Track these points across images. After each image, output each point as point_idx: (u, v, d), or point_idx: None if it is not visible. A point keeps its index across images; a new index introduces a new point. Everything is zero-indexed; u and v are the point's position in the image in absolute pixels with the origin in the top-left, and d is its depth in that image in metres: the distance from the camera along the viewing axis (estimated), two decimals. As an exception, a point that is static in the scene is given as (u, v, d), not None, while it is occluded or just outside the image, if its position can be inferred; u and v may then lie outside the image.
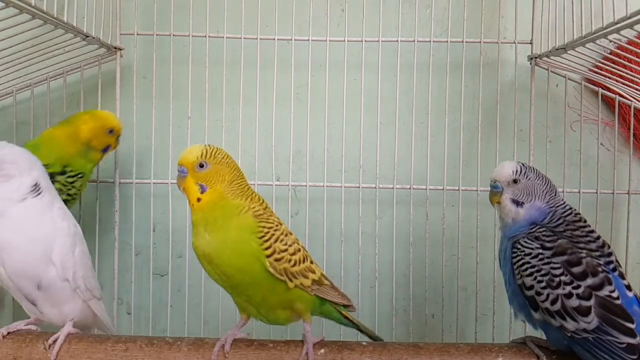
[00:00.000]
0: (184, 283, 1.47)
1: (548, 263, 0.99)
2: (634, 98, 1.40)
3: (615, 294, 0.96)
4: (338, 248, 1.45)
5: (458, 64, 1.45)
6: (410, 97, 1.46)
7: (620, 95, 1.43)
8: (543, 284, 0.99)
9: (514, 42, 1.45)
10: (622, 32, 1.03)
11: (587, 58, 1.33)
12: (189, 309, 1.47)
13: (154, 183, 1.46)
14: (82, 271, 1.10)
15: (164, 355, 1.06)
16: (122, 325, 1.48)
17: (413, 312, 1.47)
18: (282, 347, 1.07)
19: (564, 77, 1.45)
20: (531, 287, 1.00)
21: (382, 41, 1.45)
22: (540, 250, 1.01)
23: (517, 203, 1.08)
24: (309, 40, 1.45)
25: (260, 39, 1.44)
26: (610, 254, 1.02)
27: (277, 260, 1.01)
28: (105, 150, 1.35)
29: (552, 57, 1.36)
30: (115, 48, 1.43)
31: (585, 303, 0.96)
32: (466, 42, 1.45)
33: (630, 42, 1.11)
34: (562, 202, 1.08)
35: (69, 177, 1.30)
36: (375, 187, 1.46)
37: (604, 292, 0.96)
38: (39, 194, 1.06)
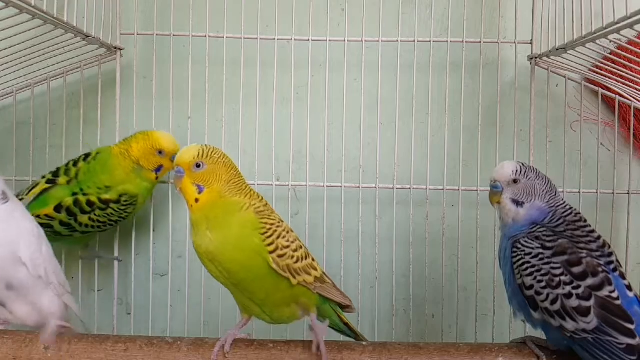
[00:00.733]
0: (184, 283, 1.47)
1: (548, 263, 0.99)
2: (634, 98, 1.40)
3: (615, 295, 0.96)
4: (338, 248, 1.45)
5: (458, 64, 1.45)
6: (410, 97, 1.46)
7: (620, 95, 1.42)
8: (543, 284, 0.99)
9: (514, 42, 1.45)
10: (622, 32, 1.03)
11: (587, 58, 1.33)
12: (189, 309, 1.47)
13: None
14: (52, 267, 1.12)
15: (163, 355, 1.06)
16: (122, 325, 1.48)
17: (413, 312, 1.47)
18: (282, 347, 1.07)
19: (564, 77, 1.44)
20: (531, 287, 1.00)
21: (382, 41, 1.45)
22: (541, 250, 1.01)
23: (517, 203, 1.08)
24: (309, 40, 1.45)
25: (260, 39, 1.44)
26: (610, 254, 1.02)
27: (280, 256, 1.01)
28: (157, 170, 1.35)
29: (552, 57, 1.36)
30: (116, 48, 1.43)
31: (584, 303, 0.96)
32: (466, 42, 1.45)
33: (630, 42, 1.11)
34: (562, 202, 1.08)
35: (123, 205, 1.34)
36: (375, 187, 1.46)
37: (604, 292, 0.96)
38: (7, 201, 1.09)
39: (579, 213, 1.08)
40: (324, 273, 1.11)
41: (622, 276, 1.01)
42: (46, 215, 1.31)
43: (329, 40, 1.46)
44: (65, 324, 1.11)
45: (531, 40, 1.43)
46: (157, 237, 1.50)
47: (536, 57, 1.41)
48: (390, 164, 1.46)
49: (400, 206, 1.45)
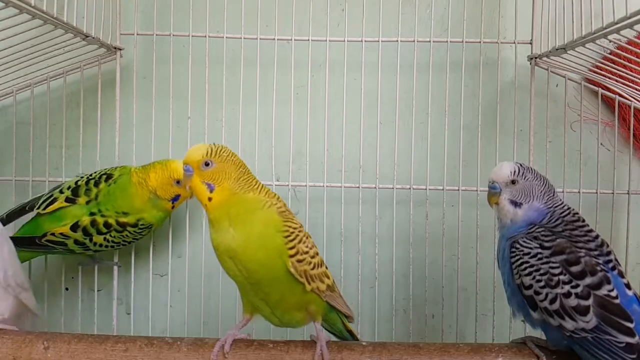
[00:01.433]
0: (184, 283, 1.47)
1: (547, 262, 0.99)
2: (634, 98, 1.40)
3: (614, 293, 0.96)
4: (338, 248, 1.45)
5: (458, 63, 1.45)
6: (410, 97, 1.46)
7: (620, 95, 1.42)
8: (542, 284, 0.99)
9: (514, 42, 1.45)
10: (622, 32, 1.03)
11: (587, 58, 1.33)
12: (188, 309, 1.47)
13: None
14: (12, 269, 1.12)
15: (163, 356, 1.06)
16: (122, 325, 1.48)
17: (413, 312, 1.47)
18: (282, 347, 1.07)
19: (564, 77, 1.44)
20: (530, 287, 1.00)
21: (382, 41, 1.45)
22: (539, 250, 1.01)
23: (516, 204, 1.08)
24: (309, 40, 1.45)
25: (260, 39, 1.44)
26: (609, 253, 1.02)
27: (299, 261, 1.02)
28: (175, 200, 1.34)
29: (552, 57, 1.36)
30: (115, 48, 1.43)
31: (583, 302, 0.96)
32: (466, 42, 1.45)
33: (630, 42, 1.11)
34: (560, 203, 1.08)
35: (139, 228, 1.34)
36: (375, 187, 1.46)
37: (603, 291, 0.96)
38: None
39: (577, 213, 1.08)
40: (334, 282, 1.11)
41: (621, 275, 1.01)
42: (61, 234, 1.31)
43: (329, 40, 1.46)
44: (6, 327, 1.11)
45: (531, 40, 1.43)
46: (157, 237, 1.50)
47: (536, 57, 1.41)
48: (390, 164, 1.46)
49: (400, 206, 1.45)
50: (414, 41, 1.45)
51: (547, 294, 0.98)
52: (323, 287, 1.06)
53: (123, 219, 1.31)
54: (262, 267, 1.00)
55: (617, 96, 1.43)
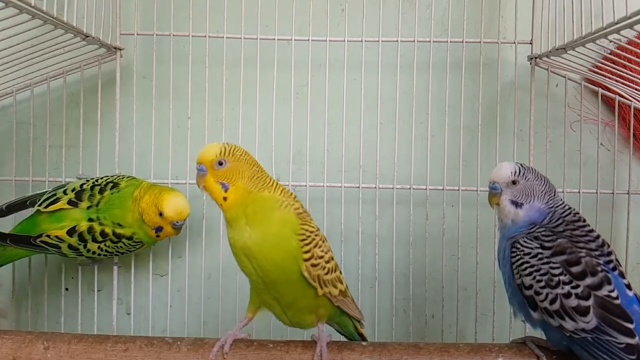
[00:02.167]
0: (184, 283, 1.47)
1: (547, 262, 0.99)
2: (634, 98, 1.40)
3: (614, 294, 0.96)
4: (338, 248, 1.45)
5: (458, 64, 1.45)
6: (410, 97, 1.46)
7: (620, 95, 1.42)
8: (542, 284, 0.99)
9: (514, 42, 1.45)
10: (622, 32, 1.02)
11: (587, 58, 1.33)
12: (188, 309, 1.47)
13: (153, 183, 1.45)
14: None
15: (163, 356, 1.06)
16: (122, 325, 1.48)
17: (413, 312, 1.47)
18: (282, 347, 1.08)
19: (564, 77, 1.44)
20: (530, 287, 1.00)
21: (382, 41, 1.45)
22: (540, 250, 1.01)
23: (516, 204, 1.07)
24: (309, 40, 1.45)
25: (260, 39, 1.44)
26: (610, 253, 1.02)
27: (313, 265, 1.02)
28: (158, 230, 1.31)
29: (552, 57, 1.36)
30: (115, 48, 1.43)
31: (584, 303, 0.96)
32: (466, 42, 1.45)
33: (630, 42, 1.11)
34: (561, 203, 1.08)
35: (134, 241, 1.33)
36: (375, 187, 1.46)
37: (603, 291, 0.96)
38: None
39: (578, 213, 1.08)
40: (347, 287, 1.11)
41: (622, 275, 1.00)
42: (57, 237, 1.29)
43: (329, 41, 1.46)
44: None
45: (531, 40, 1.43)
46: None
47: (536, 57, 1.41)
48: (390, 164, 1.46)
49: (400, 206, 1.45)
50: (414, 41, 1.45)
51: (547, 294, 0.98)
52: (335, 292, 1.06)
53: (119, 230, 1.30)
54: (276, 268, 1.00)
55: (617, 96, 1.43)
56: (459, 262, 1.46)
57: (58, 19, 1.12)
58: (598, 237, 1.04)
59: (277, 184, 1.06)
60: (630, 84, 1.30)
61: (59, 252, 1.32)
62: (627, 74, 1.25)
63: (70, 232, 1.29)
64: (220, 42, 1.44)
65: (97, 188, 1.32)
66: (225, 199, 1.02)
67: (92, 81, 1.46)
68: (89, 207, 1.30)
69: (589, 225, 1.06)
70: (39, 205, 1.32)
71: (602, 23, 1.05)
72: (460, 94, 1.45)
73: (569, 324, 0.96)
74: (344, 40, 1.45)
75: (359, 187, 1.46)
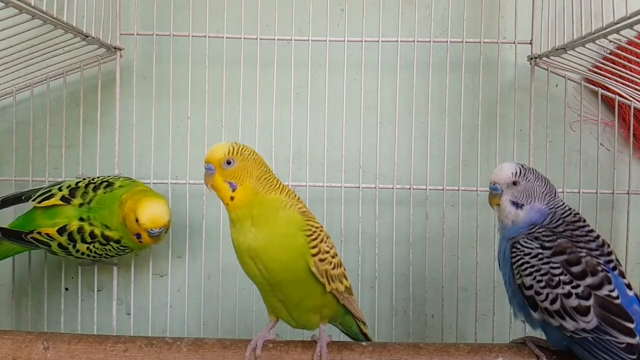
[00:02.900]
0: (184, 283, 1.47)
1: (547, 262, 0.99)
2: (633, 98, 1.40)
3: (614, 294, 0.96)
4: (338, 248, 1.44)
5: (458, 64, 1.45)
6: (410, 97, 1.46)
7: (620, 95, 1.42)
8: (542, 284, 0.99)
9: (514, 42, 1.45)
10: (622, 32, 1.02)
11: (587, 58, 1.33)
12: (188, 309, 1.47)
13: (153, 183, 1.45)
14: None
15: (163, 356, 1.06)
16: (122, 325, 1.48)
17: (413, 312, 1.47)
18: (282, 347, 1.08)
19: (564, 77, 1.44)
20: (530, 287, 1.00)
21: (382, 41, 1.45)
22: (540, 250, 1.01)
23: (517, 205, 1.07)
24: (308, 40, 1.45)
25: (260, 39, 1.44)
26: (610, 253, 1.02)
27: (321, 260, 1.02)
28: (137, 237, 1.28)
29: (551, 57, 1.36)
30: (115, 48, 1.43)
31: (584, 302, 0.96)
32: (466, 42, 1.45)
33: (630, 42, 1.11)
34: (561, 203, 1.08)
35: (122, 245, 1.31)
36: (375, 187, 1.46)
37: (604, 291, 0.96)
38: None
39: (578, 213, 1.07)
40: (351, 285, 1.11)
41: (622, 275, 1.01)
42: (47, 234, 1.28)
43: (329, 41, 1.46)
44: None
45: (531, 40, 1.43)
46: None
47: (536, 57, 1.41)
48: (390, 164, 1.46)
49: (400, 206, 1.45)
50: (414, 41, 1.45)
51: (547, 294, 0.98)
52: (342, 288, 1.07)
53: (107, 233, 1.29)
54: (283, 268, 1.00)
55: (617, 96, 1.43)
56: (459, 262, 1.46)
57: (58, 19, 1.12)
58: (598, 237, 1.04)
59: (282, 185, 1.06)
60: (630, 84, 1.30)
61: (49, 250, 1.32)
62: (627, 74, 1.25)
63: (61, 230, 1.28)
64: (220, 42, 1.44)
65: (92, 186, 1.32)
66: (232, 198, 1.01)
67: (92, 81, 1.46)
68: (81, 205, 1.29)
69: (589, 226, 1.06)
70: (33, 200, 1.31)
71: (602, 23, 1.05)
72: (460, 94, 1.45)
73: (569, 324, 0.96)
74: (344, 40, 1.45)
75: (359, 187, 1.46)
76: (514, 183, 1.08)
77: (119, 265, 1.47)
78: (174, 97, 1.47)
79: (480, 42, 1.45)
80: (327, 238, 1.05)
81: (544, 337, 1.07)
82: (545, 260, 1.00)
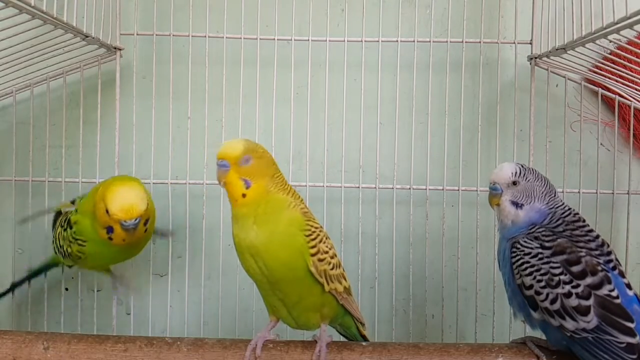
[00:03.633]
0: (184, 283, 1.47)
1: (547, 262, 0.99)
2: (633, 98, 1.40)
3: (614, 293, 0.96)
4: (338, 248, 1.44)
5: (458, 64, 1.45)
6: (410, 97, 1.46)
7: (620, 96, 1.42)
8: (542, 284, 0.99)
9: (514, 42, 1.45)
10: (622, 32, 1.02)
11: (587, 58, 1.33)
12: (188, 309, 1.47)
13: (153, 183, 1.45)
14: None
15: (163, 356, 1.06)
16: (122, 325, 1.48)
17: (413, 312, 1.47)
18: (282, 347, 1.08)
19: (564, 77, 1.44)
20: (530, 287, 1.00)
21: (381, 41, 1.45)
22: (540, 250, 1.01)
23: (517, 205, 1.07)
24: (308, 40, 1.45)
25: (260, 39, 1.44)
26: (609, 253, 1.02)
27: (320, 260, 1.02)
28: (109, 230, 1.11)
29: (552, 57, 1.36)
30: (115, 48, 1.43)
31: (584, 302, 0.96)
32: (466, 42, 1.45)
33: (630, 42, 1.11)
34: (561, 203, 1.08)
35: (72, 237, 1.18)
36: (375, 187, 1.46)
37: (604, 291, 0.96)
38: None
39: (577, 213, 1.08)
40: (350, 286, 1.11)
41: (622, 275, 1.01)
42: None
43: (329, 41, 1.46)
44: None
45: (531, 40, 1.43)
46: (156, 238, 1.49)
47: (536, 57, 1.41)
48: (390, 164, 1.46)
49: (400, 206, 1.45)
50: (414, 41, 1.45)
51: (547, 294, 0.98)
52: (340, 289, 1.07)
53: (73, 216, 1.19)
54: (283, 266, 1.00)
55: (617, 96, 1.43)
56: (459, 262, 1.46)
57: (58, 19, 1.12)
58: (598, 237, 1.04)
59: (290, 187, 1.06)
60: (630, 84, 1.30)
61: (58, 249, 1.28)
62: (627, 74, 1.25)
63: (58, 214, 1.26)
64: (220, 42, 1.44)
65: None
66: (244, 195, 1.00)
67: (92, 81, 1.46)
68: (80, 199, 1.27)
69: (588, 226, 1.06)
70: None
71: (602, 23, 1.05)
72: (460, 94, 1.45)
73: (569, 324, 0.96)
74: (344, 41, 1.45)
75: (359, 187, 1.46)
76: (514, 183, 1.08)
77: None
78: (174, 97, 1.47)
79: (480, 42, 1.45)
80: (326, 239, 1.06)
81: (544, 337, 1.07)
82: (545, 260, 1.00)
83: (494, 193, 1.10)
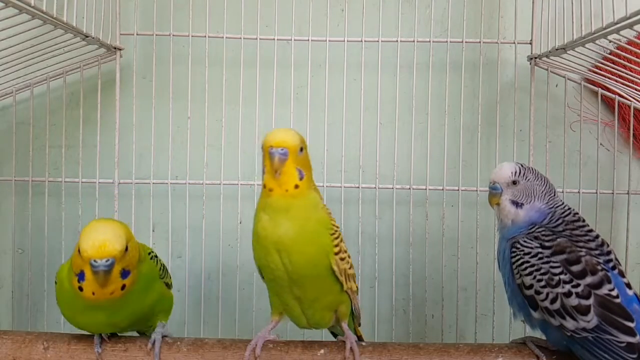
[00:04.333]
0: (184, 283, 1.47)
1: (547, 262, 0.99)
2: (633, 98, 1.40)
3: (614, 293, 0.96)
4: (338, 248, 1.45)
5: (458, 64, 1.45)
6: (410, 97, 1.46)
7: (620, 96, 1.43)
8: (542, 283, 0.99)
9: (514, 42, 1.45)
10: (621, 32, 1.03)
11: (586, 58, 1.33)
12: (189, 309, 1.47)
13: (153, 183, 1.45)
14: None
15: (163, 356, 1.06)
16: (122, 325, 1.48)
17: (413, 312, 1.47)
18: (282, 347, 1.08)
19: (564, 77, 1.45)
20: (530, 287, 1.00)
21: (381, 41, 1.45)
22: (540, 250, 1.01)
23: (517, 204, 1.07)
24: (308, 40, 1.45)
25: (260, 39, 1.44)
26: (609, 253, 1.02)
27: (341, 259, 1.02)
28: (80, 278, 0.95)
29: (551, 57, 1.36)
30: (115, 48, 1.43)
31: (584, 302, 0.96)
32: (466, 42, 1.45)
33: (630, 42, 1.11)
34: (561, 203, 1.08)
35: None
36: (375, 187, 1.46)
37: (603, 290, 0.96)
38: None
39: (577, 213, 1.08)
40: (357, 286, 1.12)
41: (621, 274, 1.01)
42: None
43: (329, 41, 1.46)
44: None
45: (531, 40, 1.43)
46: (156, 237, 1.50)
47: (536, 57, 1.41)
48: (390, 164, 1.46)
49: (400, 206, 1.45)
50: (414, 41, 1.45)
51: (547, 294, 0.98)
52: (354, 288, 1.08)
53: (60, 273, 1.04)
54: (308, 263, 1.00)
55: (616, 96, 1.43)
56: (459, 262, 1.46)
57: (58, 19, 1.12)
58: (597, 236, 1.04)
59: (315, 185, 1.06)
60: (630, 84, 1.30)
61: None
62: (626, 74, 1.25)
63: None
64: (220, 42, 1.44)
65: None
66: (297, 186, 0.98)
67: (91, 81, 1.46)
68: None
69: (588, 225, 1.06)
70: None
71: (602, 23, 1.05)
72: (460, 94, 1.45)
73: (569, 323, 0.96)
74: (344, 41, 1.45)
75: (358, 187, 1.46)
76: (514, 182, 1.08)
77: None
78: (174, 97, 1.47)
79: (480, 42, 1.45)
80: (343, 239, 1.06)
81: (544, 337, 1.07)
82: (545, 259, 1.00)
83: (494, 192, 1.10)
